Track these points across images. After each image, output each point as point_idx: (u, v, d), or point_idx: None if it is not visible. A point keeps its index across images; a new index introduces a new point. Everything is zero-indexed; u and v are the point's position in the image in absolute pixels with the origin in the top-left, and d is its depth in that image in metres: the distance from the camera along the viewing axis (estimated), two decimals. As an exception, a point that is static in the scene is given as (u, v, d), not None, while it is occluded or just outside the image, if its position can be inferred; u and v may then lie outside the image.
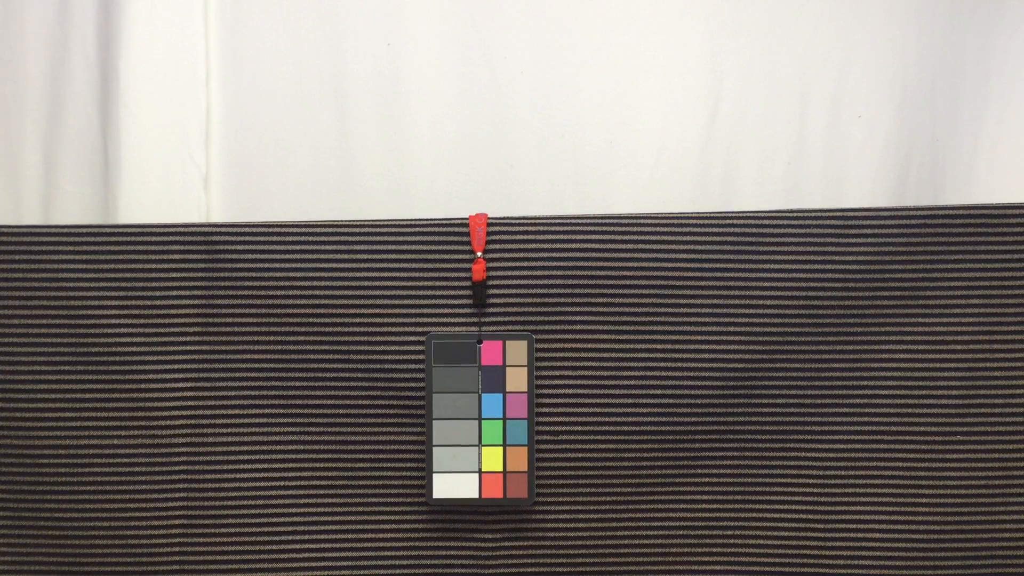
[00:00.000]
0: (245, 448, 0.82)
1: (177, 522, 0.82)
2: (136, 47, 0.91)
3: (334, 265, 0.82)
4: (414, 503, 0.83)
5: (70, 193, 0.92)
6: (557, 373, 0.82)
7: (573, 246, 0.81)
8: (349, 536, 0.83)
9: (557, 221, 0.82)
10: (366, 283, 0.82)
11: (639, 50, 0.94)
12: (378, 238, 0.82)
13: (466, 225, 0.82)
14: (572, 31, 0.94)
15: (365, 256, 0.82)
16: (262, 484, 0.82)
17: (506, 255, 0.82)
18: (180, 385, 0.82)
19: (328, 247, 0.82)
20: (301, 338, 0.82)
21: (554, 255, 0.81)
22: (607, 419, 0.82)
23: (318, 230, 0.82)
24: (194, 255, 0.82)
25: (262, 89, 0.94)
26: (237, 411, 0.82)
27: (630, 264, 0.81)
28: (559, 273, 0.82)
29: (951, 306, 0.81)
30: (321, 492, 0.83)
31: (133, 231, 0.82)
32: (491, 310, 0.82)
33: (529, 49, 0.94)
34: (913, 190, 0.93)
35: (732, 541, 0.83)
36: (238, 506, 0.82)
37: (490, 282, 0.82)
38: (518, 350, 0.81)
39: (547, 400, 0.82)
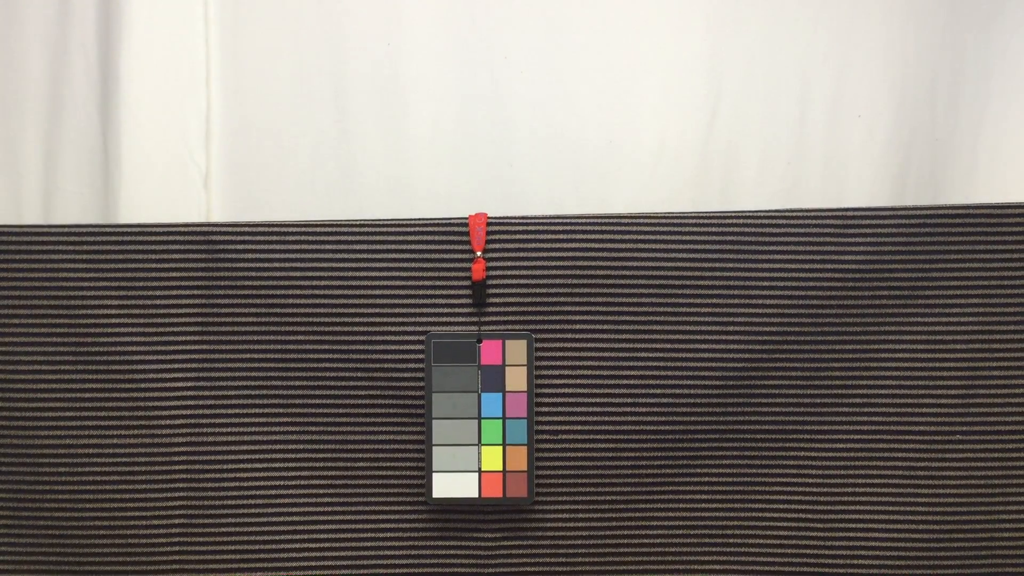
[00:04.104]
0: (245, 448, 0.82)
1: (177, 523, 0.82)
2: (136, 47, 0.91)
3: (334, 265, 0.82)
4: (414, 503, 0.83)
5: (70, 193, 0.93)
6: (557, 373, 0.82)
7: (573, 246, 0.81)
8: (349, 536, 0.83)
9: (557, 221, 0.82)
10: (366, 283, 0.82)
11: (639, 50, 0.94)
12: (378, 238, 0.82)
13: (466, 225, 0.82)
14: (572, 31, 0.94)
15: (365, 256, 0.82)
16: (262, 484, 0.83)
17: (506, 255, 0.82)
18: (180, 385, 0.82)
19: (328, 247, 0.82)
20: (301, 338, 0.82)
21: (554, 255, 0.81)
22: (607, 419, 0.82)
23: (318, 230, 0.82)
24: (194, 255, 0.82)
25: (262, 89, 0.94)
26: (237, 411, 0.82)
27: (630, 264, 0.81)
28: (559, 273, 0.82)
29: (951, 306, 0.81)
30: (321, 492, 0.83)
31: (133, 231, 0.82)
32: (491, 310, 0.82)
33: (529, 49, 0.94)
34: (913, 190, 0.94)
35: (731, 541, 0.83)
36: (238, 507, 0.82)
37: (490, 282, 0.82)
38: (518, 349, 0.81)
39: (547, 399, 0.82)
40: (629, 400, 0.82)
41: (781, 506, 0.82)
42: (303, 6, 0.94)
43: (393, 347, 0.82)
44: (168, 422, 0.82)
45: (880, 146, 0.94)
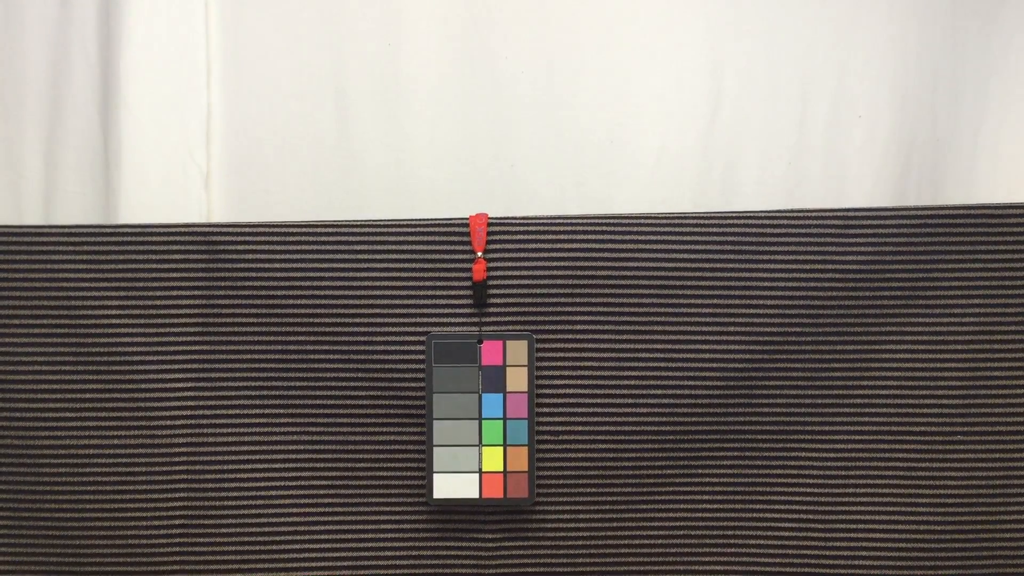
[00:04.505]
0: (245, 448, 0.82)
1: (177, 522, 0.82)
2: (137, 47, 0.91)
3: (334, 265, 0.82)
4: (414, 503, 0.83)
5: (70, 193, 0.92)
6: (557, 373, 0.82)
7: (574, 246, 0.81)
8: (349, 536, 0.83)
9: (557, 221, 0.82)
10: (367, 283, 0.82)
11: (639, 50, 0.94)
12: (378, 238, 0.82)
13: (466, 225, 0.82)
14: (572, 31, 0.94)
15: (365, 256, 0.82)
16: (262, 484, 0.82)
17: (507, 255, 0.82)
18: (180, 385, 0.82)
19: (328, 247, 0.82)
20: (301, 338, 0.82)
21: (555, 255, 0.81)
22: (607, 419, 0.82)
23: (318, 230, 0.82)
24: (194, 255, 0.82)
25: (263, 89, 0.94)
26: (237, 411, 0.82)
27: (630, 264, 0.81)
28: (560, 273, 0.82)
29: (952, 306, 0.81)
30: (321, 492, 0.83)
31: (133, 231, 0.82)
32: (491, 310, 0.82)
33: (529, 49, 0.94)
34: (914, 190, 0.93)
35: (732, 541, 0.83)
36: (238, 506, 0.82)
37: (490, 282, 0.82)
38: (518, 350, 0.81)
39: (547, 400, 0.82)
40: (630, 400, 0.82)
41: (782, 505, 0.82)
42: (303, 6, 0.94)
43: (394, 347, 0.82)
44: (168, 422, 0.82)
45: (881, 146, 0.93)
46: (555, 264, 0.81)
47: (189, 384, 0.82)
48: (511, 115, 0.94)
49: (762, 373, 0.82)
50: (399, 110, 0.94)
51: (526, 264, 0.82)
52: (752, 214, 0.82)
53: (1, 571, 0.82)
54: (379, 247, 0.82)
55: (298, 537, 0.83)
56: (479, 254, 0.81)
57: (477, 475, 0.82)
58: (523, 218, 0.82)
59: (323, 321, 0.82)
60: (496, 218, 0.82)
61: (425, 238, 0.82)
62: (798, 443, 0.82)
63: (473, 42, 0.94)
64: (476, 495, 0.82)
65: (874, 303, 0.81)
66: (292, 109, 0.94)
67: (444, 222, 0.82)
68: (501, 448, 0.82)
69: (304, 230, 0.82)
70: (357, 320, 0.82)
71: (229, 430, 0.82)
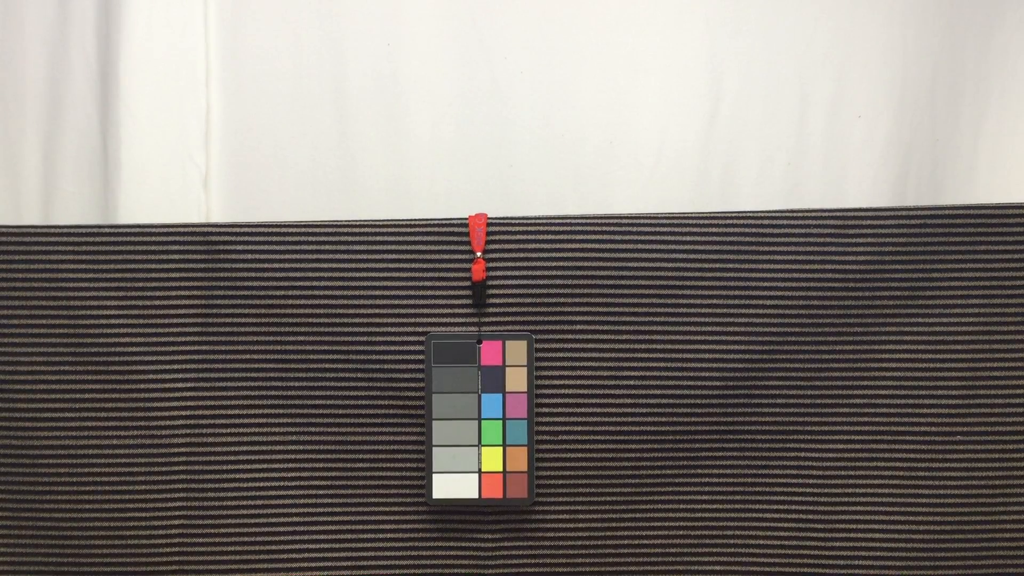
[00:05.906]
0: (244, 448, 0.82)
1: (176, 522, 0.82)
2: (136, 47, 0.91)
3: (334, 265, 0.82)
4: (414, 503, 0.83)
5: (70, 193, 0.93)
6: (557, 373, 0.82)
7: (573, 246, 0.81)
8: (349, 536, 0.83)
9: (557, 221, 0.82)
10: (366, 283, 0.82)
11: (639, 50, 0.94)
12: (378, 238, 0.82)
13: (466, 225, 0.82)
14: (572, 31, 0.94)
15: (365, 256, 0.82)
16: (261, 484, 0.82)
17: (506, 255, 0.82)
18: (179, 385, 0.82)
19: (328, 247, 0.82)
20: (301, 338, 0.82)
21: (554, 255, 0.81)
22: (607, 419, 0.82)
23: (318, 230, 0.82)
24: (193, 255, 0.82)
25: (262, 89, 0.94)
26: (236, 411, 0.82)
27: (630, 264, 0.81)
28: (559, 273, 0.81)
29: (951, 306, 0.81)
30: (321, 492, 0.83)
31: (133, 231, 0.82)
32: (491, 310, 0.82)
33: (529, 49, 0.94)
34: (913, 190, 0.93)
35: (732, 541, 0.83)
36: (237, 506, 0.82)
37: (490, 282, 0.82)
38: (518, 350, 0.81)
39: (547, 400, 0.82)
40: (629, 400, 0.82)
41: (782, 505, 0.82)
42: (303, 6, 0.94)
43: (393, 347, 0.82)
44: (168, 421, 0.82)
45: (880, 146, 0.94)
46: (554, 264, 0.81)
47: (188, 384, 0.82)
48: (510, 115, 0.94)
49: (762, 373, 0.82)
50: (398, 110, 0.94)
51: (525, 264, 0.82)
52: (751, 214, 0.82)
53: (1, 571, 0.82)
54: (378, 247, 0.82)
55: (297, 537, 0.83)
56: (478, 254, 0.81)
57: (476, 475, 0.82)
58: (522, 218, 0.82)
59: (322, 321, 0.82)
60: (495, 218, 0.82)
61: (424, 238, 0.82)
62: (798, 443, 0.82)
63: (473, 42, 0.94)
64: (475, 495, 0.82)
65: (873, 303, 0.81)
66: (291, 109, 0.94)
67: (443, 222, 0.82)
68: (500, 448, 0.82)
69: (303, 230, 0.82)
70: (356, 320, 0.82)
71: (228, 430, 0.82)
